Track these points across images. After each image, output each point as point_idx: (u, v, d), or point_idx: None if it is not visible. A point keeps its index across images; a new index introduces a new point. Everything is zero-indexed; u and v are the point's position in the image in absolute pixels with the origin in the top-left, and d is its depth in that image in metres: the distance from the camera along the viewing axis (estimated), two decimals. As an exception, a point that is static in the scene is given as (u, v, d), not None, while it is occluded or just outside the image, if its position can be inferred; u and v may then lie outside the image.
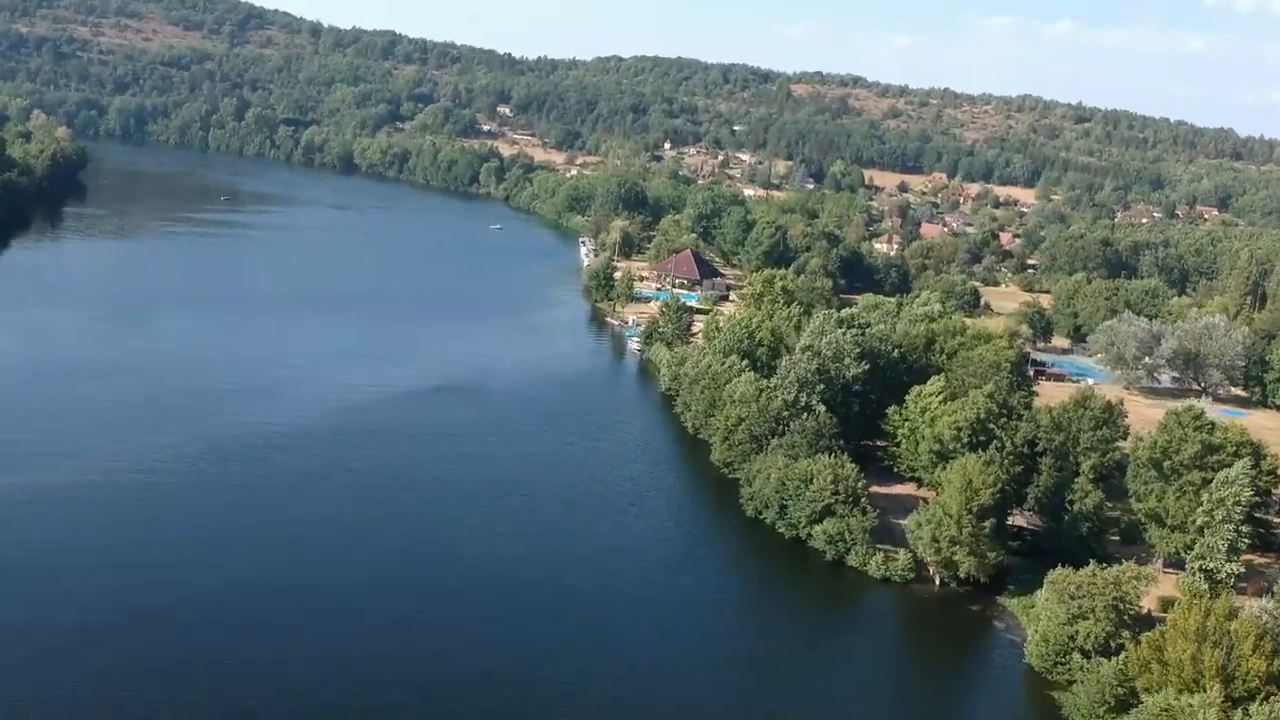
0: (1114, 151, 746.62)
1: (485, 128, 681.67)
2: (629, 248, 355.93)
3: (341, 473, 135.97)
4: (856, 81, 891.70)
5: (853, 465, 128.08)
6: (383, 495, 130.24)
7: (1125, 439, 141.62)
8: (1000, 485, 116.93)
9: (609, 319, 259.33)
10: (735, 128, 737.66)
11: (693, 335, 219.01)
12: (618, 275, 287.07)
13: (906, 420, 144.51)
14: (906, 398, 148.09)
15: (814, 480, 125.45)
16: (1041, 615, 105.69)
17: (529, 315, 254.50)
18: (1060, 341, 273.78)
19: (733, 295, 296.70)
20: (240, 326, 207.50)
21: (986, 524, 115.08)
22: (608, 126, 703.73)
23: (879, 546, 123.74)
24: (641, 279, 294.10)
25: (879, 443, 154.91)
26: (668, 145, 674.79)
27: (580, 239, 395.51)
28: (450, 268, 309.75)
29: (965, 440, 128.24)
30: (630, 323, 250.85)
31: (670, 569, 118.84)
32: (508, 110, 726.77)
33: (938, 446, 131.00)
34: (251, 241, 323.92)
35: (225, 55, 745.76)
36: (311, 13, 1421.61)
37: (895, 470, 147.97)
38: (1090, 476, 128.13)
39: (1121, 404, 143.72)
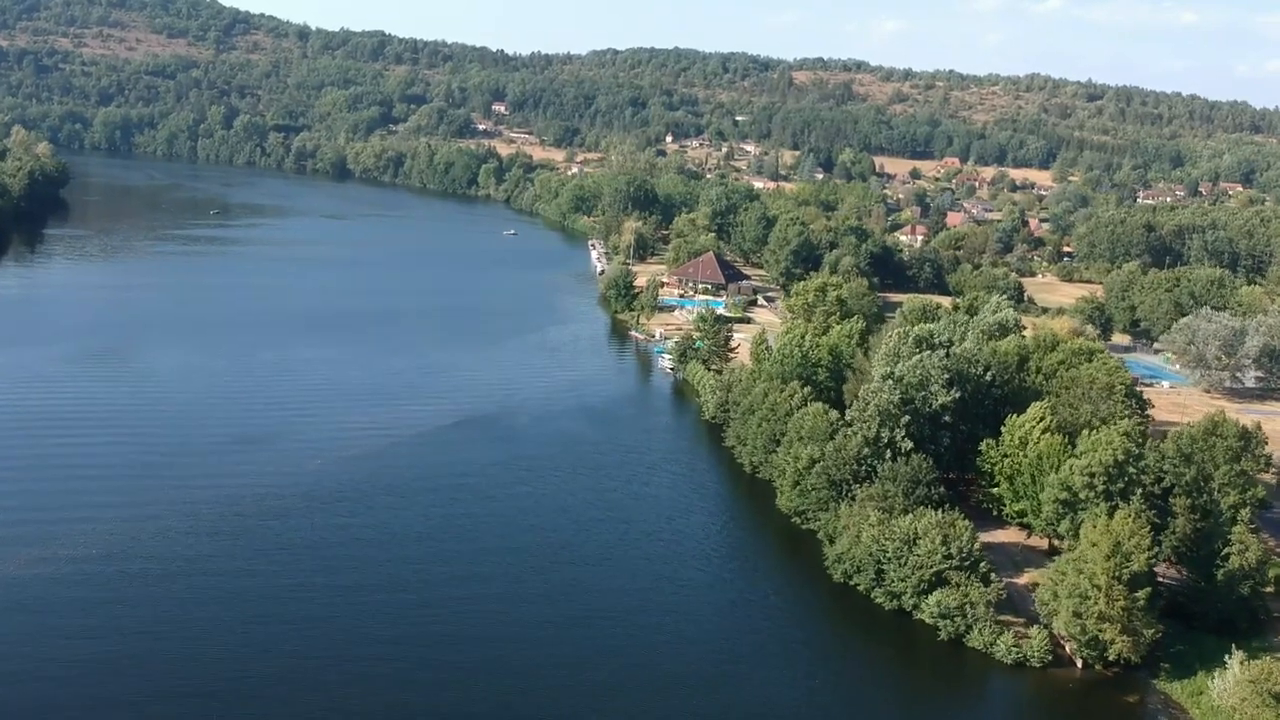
0: (1129, 129, 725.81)
1: (481, 127, 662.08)
2: (643, 250, 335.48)
3: (349, 544, 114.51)
4: (859, 66, 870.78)
5: (966, 522, 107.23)
6: (398, 576, 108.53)
7: (1268, 470, 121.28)
8: (1154, 549, 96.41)
9: (632, 332, 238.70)
10: (738, 118, 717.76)
11: (732, 351, 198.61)
12: (638, 282, 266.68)
13: (1006, 456, 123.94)
14: (1001, 429, 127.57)
15: (919, 542, 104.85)
16: (1233, 713, 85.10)
17: (546, 331, 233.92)
18: (1119, 338, 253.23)
19: (760, 299, 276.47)
20: (231, 361, 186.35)
21: (1140, 594, 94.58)
22: (607, 122, 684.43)
23: (997, 618, 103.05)
24: (661, 285, 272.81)
25: (965, 474, 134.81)
26: (669, 138, 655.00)
27: (589, 242, 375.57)
28: (455, 280, 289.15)
29: (1100, 489, 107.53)
30: (657, 336, 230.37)
31: (759, 659, 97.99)
32: (503, 108, 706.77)
33: (1065, 495, 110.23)
34: (243, 259, 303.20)
35: (211, 62, 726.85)
36: (298, 15, 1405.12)
37: (993, 512, 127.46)
38: (1249, 524, 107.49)
39: (1259, 429, 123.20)
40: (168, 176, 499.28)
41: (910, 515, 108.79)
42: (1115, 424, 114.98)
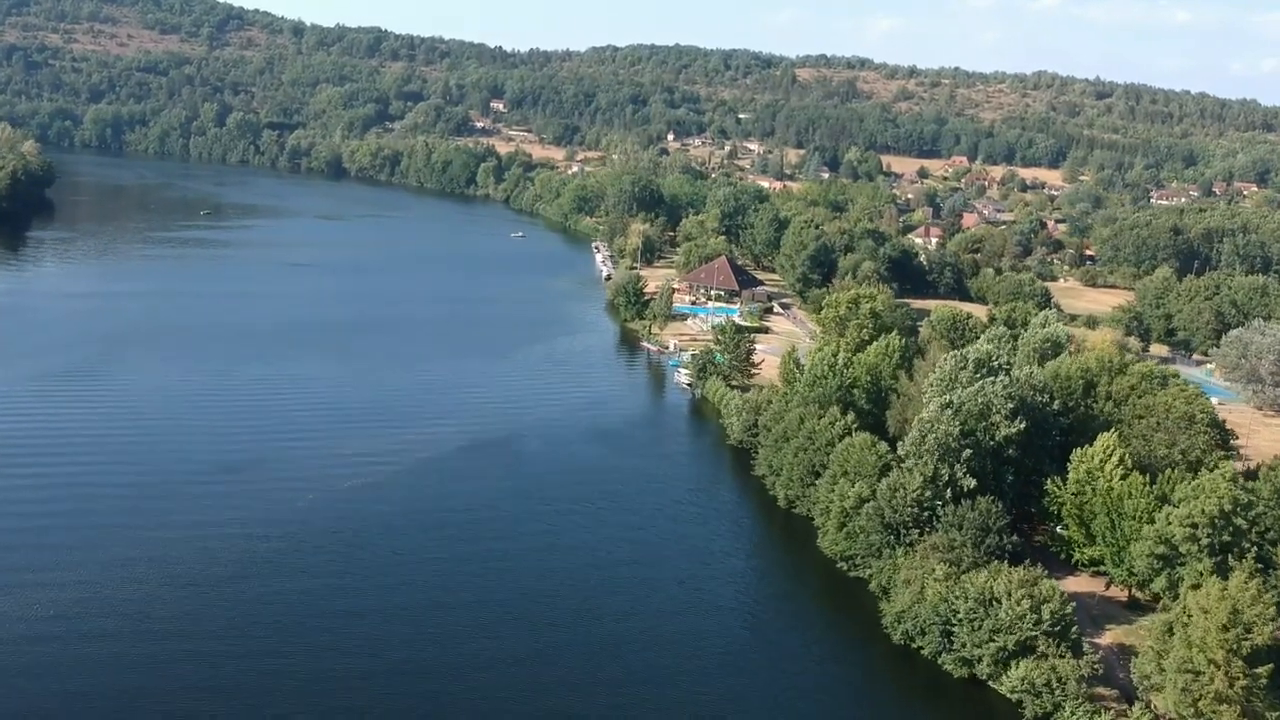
0: (1139, 128, 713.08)
1: (479, 125, 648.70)
2: (650, 253, 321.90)
3: (343, 616, 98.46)
4: (863, 64, 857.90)
5: (1051, 581, 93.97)
6: (402, 653, 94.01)
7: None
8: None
9: (644, 343, 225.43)
10: (740, 116, 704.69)
11: (755, 367, 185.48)
12: (650, 287, 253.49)
13: (1078, 495, 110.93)
14: (1068, 463, 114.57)
15: (999, 603, 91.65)
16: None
17: (553, 342, 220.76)
18: (1157, 349, 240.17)
19: (776, 306, 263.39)
20: (216, 379, 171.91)
21: (1262, 670, 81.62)
22: (607, 120, 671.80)
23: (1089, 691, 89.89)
24: (672, 291, 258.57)
25: (1028, 509, 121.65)
26: (670, 137, 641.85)
27: (593, 244, 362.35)
28: (455, 286, 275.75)
29: (1204, 543, 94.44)
30: (671, 348, 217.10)
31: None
32: (501, 106, 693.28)
33: (1162, 549, 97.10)
34: (233, 264, 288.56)
35: (204, 58, 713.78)
36: (293, 11, 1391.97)
37: (1060, 556, 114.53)
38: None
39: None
40: (159, 175, 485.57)
41: (984, 571, 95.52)
42: (1215, 466, 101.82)
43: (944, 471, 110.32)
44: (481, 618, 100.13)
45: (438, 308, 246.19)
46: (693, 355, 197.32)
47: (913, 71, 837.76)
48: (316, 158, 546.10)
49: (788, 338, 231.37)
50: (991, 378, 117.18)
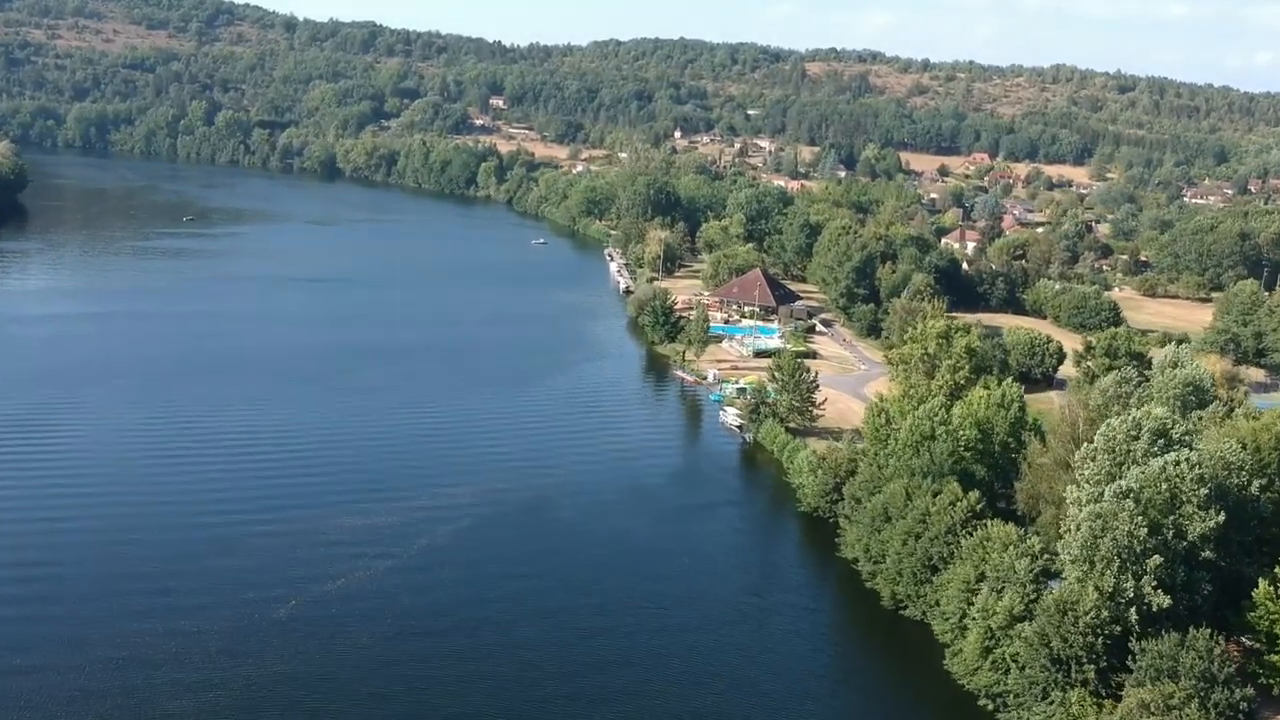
0: (1165, 123, 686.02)
1: (478, 123, 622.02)
2: (669, 263, 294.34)
3: None
4: (875, 57, 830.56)
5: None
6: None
7: None
8: None
9: (678, 371, 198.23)
10: (750, 112, 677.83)
11: (818, 407, 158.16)
12: (679, 300, 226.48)
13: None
14: (1275, 562, 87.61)
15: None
16: None
17: (574, 371, 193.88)
18: (1251, 373, 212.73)
19: (818, 324, 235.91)
20: (180, 431, 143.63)
21: None
22: (611, 116, 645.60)
23: None
24: (706, 310, 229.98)
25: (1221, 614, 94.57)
26: (678, 134, 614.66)
27: (606, 251, 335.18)
28: (459, 302, 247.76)
29: None
30: (710, 379, 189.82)
31: None
32: (501, 103, 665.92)
33: None
34: (216, 278, 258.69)
35: (193, 55, 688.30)
36: (285, 6, 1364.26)
37: (1273, 690, 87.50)
38: None
39: None
40: (143, 177, 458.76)
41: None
42: None
43: (1126, 585, 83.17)
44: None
45: (442, 330, 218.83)
46: (739, 389, 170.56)
47: (926, 65, 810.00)
48: (309, 157, 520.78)
49: (838, 363, 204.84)
50: (1174, 453, 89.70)
